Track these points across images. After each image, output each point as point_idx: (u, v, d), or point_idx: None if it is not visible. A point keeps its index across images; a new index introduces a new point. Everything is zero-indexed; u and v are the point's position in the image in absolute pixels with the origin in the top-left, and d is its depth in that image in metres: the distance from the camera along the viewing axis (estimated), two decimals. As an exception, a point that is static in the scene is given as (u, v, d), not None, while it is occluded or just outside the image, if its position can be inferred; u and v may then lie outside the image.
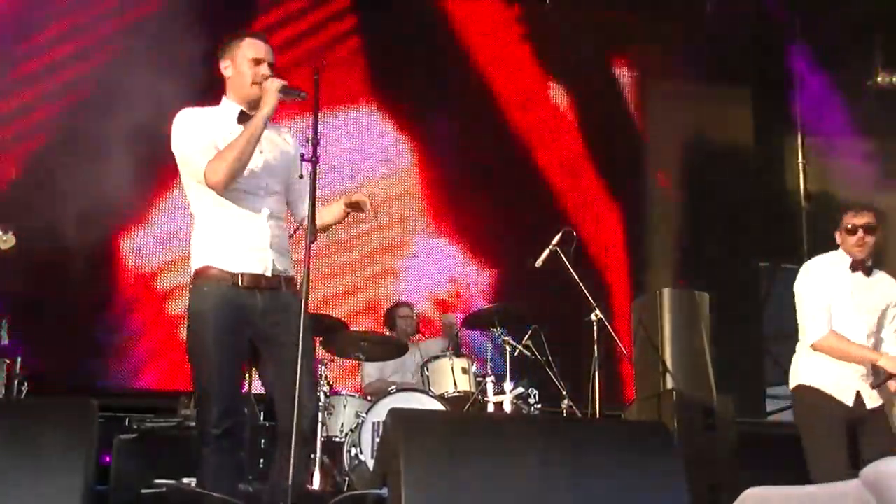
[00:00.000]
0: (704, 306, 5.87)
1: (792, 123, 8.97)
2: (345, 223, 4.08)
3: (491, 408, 5.61)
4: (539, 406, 5.74)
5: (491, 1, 8.46)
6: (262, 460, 5.28)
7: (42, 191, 6.79)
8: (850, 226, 4.53)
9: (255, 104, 3.66)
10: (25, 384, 5.66)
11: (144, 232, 7.29)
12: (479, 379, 5.86)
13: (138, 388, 7.07)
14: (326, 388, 5.61)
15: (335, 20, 8.05)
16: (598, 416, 5.54)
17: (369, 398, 5.85)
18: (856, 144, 8.42)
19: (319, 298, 7.30)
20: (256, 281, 3.60)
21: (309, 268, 3.43)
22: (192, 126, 3.66)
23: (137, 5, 7.30)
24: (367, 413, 5.47)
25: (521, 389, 5.63)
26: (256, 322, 3.60)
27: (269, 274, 3.63)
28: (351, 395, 5.89)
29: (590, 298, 5.73)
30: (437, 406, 5.52)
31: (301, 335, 3.34)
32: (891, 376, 4.33)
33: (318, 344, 5.77)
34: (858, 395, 4.42)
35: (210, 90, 3.94)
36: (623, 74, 8.69)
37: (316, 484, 5.12)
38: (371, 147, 7.94)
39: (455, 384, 5.86)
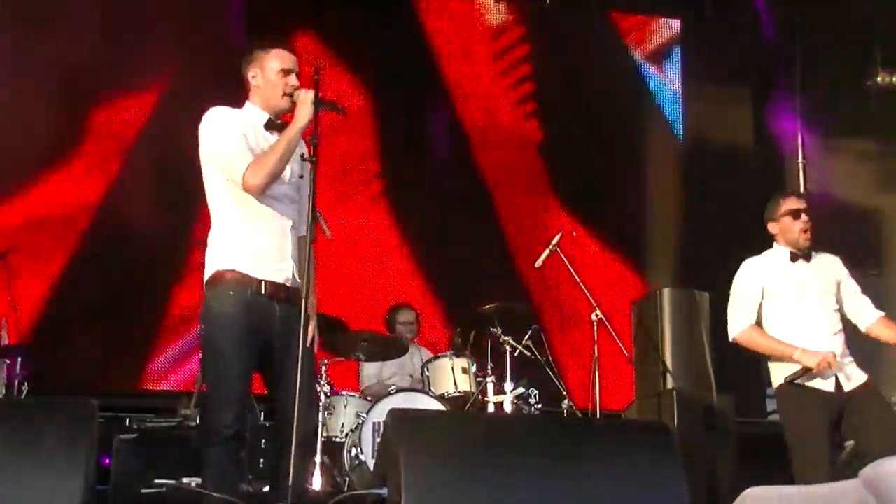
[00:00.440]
0: (704, 306, 5.86)
1: (792, 123, 8.95)
2: (345, 223, 4.08)
3: (491, 408, 5.61)
4: (539, 406, 5.74)
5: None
6: (262, 460, 5.28)
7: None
8: (794, 209, 4.55)
9: (281, 113, 3.69)
10: (26, 384, 5.67)
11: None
12: (479, 379, 5.86)
13: (138, 389, 7.08)
14: (327, 388, 5.61)
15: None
16: (598, 416, 5.55)
17: (369, 399, 5.85)
18: (856, 144, 8.42)
19: (319, 298, 7.25)
20: (277, 290, 3.60)
21: (309, 268, 3.43)
22: (229, 125, 3.63)
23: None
24: (367, 413, 5.46)
25: (521, 389, 5.62)
26: (273, 330, 3.58)
27: (289, 284, 3.63)
28: (351, 395, 5.87)
29: (590, 298, 5.74)
30: (438, 406, 5.52)
31: (301, 335, 3.34)
32: (807, 370, 4.32)
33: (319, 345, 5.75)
34: (837, 379, 4.39)
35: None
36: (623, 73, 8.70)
37: (316, 484, 5.11)
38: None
39: (455, 384, 5.85)
